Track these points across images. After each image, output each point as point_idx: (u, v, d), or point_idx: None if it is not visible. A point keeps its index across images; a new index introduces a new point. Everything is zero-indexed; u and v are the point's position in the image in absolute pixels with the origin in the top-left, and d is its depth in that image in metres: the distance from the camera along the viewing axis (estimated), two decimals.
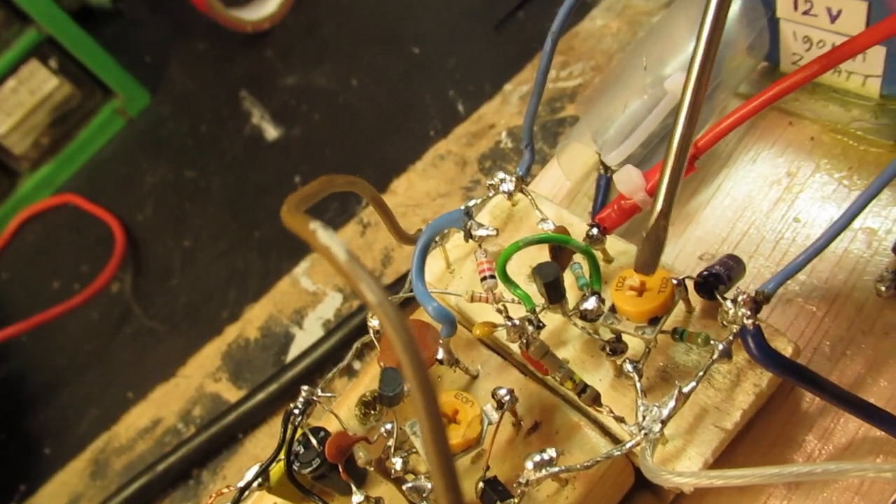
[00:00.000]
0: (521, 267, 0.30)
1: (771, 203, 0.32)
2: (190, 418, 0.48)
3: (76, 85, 0.73)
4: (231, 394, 0.48)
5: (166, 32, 0.84)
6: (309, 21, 0.71)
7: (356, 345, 0.29)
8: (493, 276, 0.26)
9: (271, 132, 0.64)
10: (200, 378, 0.50)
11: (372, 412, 0.28)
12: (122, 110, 0.75)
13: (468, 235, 0.27)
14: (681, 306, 0.26)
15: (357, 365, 0.42)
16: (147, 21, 0.88)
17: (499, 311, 0.25)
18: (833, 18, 0.30)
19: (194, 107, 0.73)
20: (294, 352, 0.47)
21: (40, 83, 0.70)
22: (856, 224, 0.29)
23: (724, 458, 0.25)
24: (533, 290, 0.26)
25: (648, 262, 0.22)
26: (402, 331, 0.13)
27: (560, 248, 0.26)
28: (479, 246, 0.27)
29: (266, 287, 0.52)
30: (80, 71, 0.72)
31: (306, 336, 0.48)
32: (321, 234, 0.15)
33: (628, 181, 0.27)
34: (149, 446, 0.48)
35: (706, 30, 0.21)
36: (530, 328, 0.25)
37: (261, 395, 0.44)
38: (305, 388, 0.27)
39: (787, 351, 0.24)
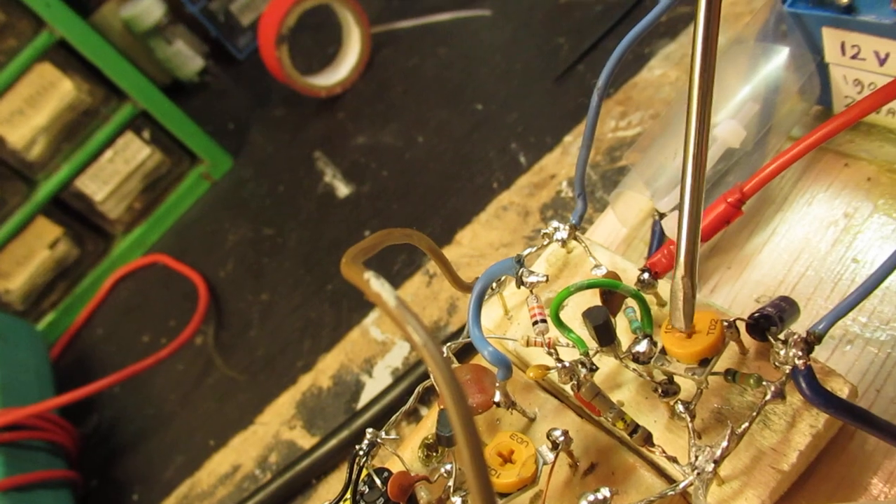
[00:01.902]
0: (576, 312, 0.31)
1: (828, 244, 0.32)
2: (267, 465, 0.50)
3: (166, 153, 0.79)
4: (305, 440, 0.49)
5: (248, 101, 0.90)
6: (378, 85, 0.75)
7: (418, 389, 0.30)
8: (544, 321, 0.27)
9: (343, 189, 0.67)
10: (277, 426, 0.52)
11: (434, 454, 0.29)
12: (207, 174, 0.80)
13: (520, 282, 0.28)
14: (735, 348, 0.27)
15: (424, 411, 0.43)
16: (230, 92, 0.95)
17: (549, 353, 0.26)
18: (882, 61, 0.30)
19: (272, 168, 0.77)
20: (364, 399, 0.49)
21: (134, 153, 0.76)
22: None
23: (786, 500, 0.25)
24: (588, 335, 0.27)
25: (680, 319, 0.23)
26: (443, 368, 0.15)
27: (611, 292, 0.27)
28: (531, 292, 0.28)
29: (338, 337, 0.54)
30: (169, 140, 0.78)
31: (376, 384, 0.49)
32: (373, 282, 0.17)
33: (676, 227, 0.28)
34: (229, 491, 0.50)
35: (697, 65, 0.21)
36: (583, 370, 0.25)
37: (333, 442, 0.46)
38: (370, 430, 0.28)
39: (843, 391, 0.24)
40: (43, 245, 0.75)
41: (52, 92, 0.70)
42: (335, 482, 0.46)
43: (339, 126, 0.74)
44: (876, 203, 0.31)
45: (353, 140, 0.71)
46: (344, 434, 0.46)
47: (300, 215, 0.68)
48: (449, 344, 0.31)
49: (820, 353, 0.29)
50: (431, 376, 0.28)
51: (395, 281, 0.54)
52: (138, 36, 0.90)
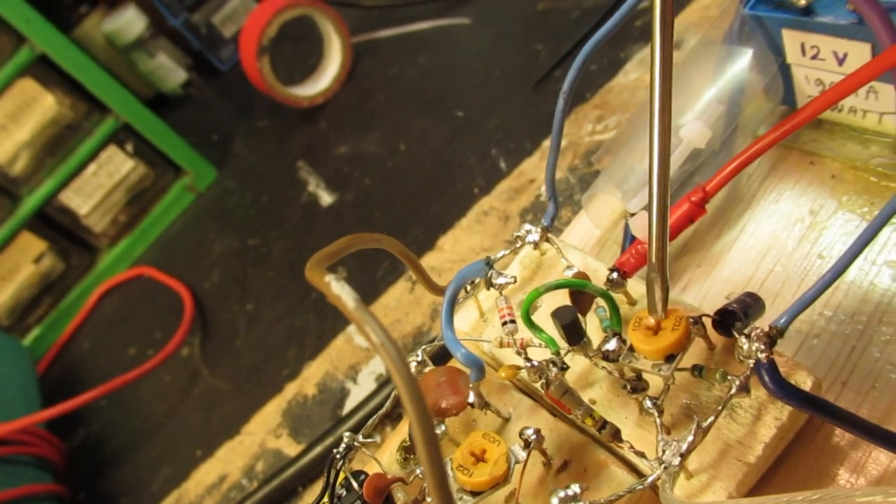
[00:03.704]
0: (549, 313, 0.31)
1: (795, 241, 0.32)
2: (253, 473, 0.50)
3: (150, 165, 0.79)
4: (291, 448, 0.50)
5: (231, 113, 0.91)
6: (359, 94, 0.76)
7: (395, 392, 0.30)
8: (513, 321, 0.27)
9: (326, 198, 0.67)
10: (263, 434, 0.52)
11: (411, 456, 0.29)
12: (192, 186, 0.81)
13: (489, 284, 0.29)
14: (703, 344, 0.27)
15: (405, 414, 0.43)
16: (214, 104, 0.95)
17: (518, 353, 0.26)
18: (840, 61, 0.31)
19: (256, 179, 0.77)
20: (349, 406, 0.49)
21: (118, 166, 0.76)
22: (879, 258, 0.30)
23: (756, 491, 0.26)
24: (559, 335, 0.27)
25: (657, 310, 0.24)
26: (401, 366, 0.15)
27: (580, 292, 0.27)
28: (500, 293, 0.28)
29: (322, 345, 0.54)
30: (153, 153, 0.78)
31: (360, 390, 0.50)
32: (334, 285, 0.17)
33: (642, 226, 0.29)
34: (216, 501, 0.50)
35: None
36: (554, 369, 0.26)
37: (318, 449, 0.46)
38: (347, 433, 0.29)
39: (807, 384, 0.25)
40: (28, 260, 0.75)
41: (34, 107, 0.70)
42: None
43: (321, 135, 0.75)
44: (840, 200, 0.32)
45: (335, 149, 0.72)
46: (329, 441, 0.46)
47: (284, 225, 0.69)
48: (425, 347, 0.31)
49: (788, 347, 0.30)
50: (389, 372, 0.28)
51: (378, 287, 0.55)
52: (121, 50, 0.91)
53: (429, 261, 0.54)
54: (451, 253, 0.54)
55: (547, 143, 0.56)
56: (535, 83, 0.61)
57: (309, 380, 0.53)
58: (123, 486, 0.58)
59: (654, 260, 0.24)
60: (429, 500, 0.26)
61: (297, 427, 0.51)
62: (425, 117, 0.67)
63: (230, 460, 0.53)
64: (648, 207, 0.24)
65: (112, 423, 0.64)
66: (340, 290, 0.17)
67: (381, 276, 0.56)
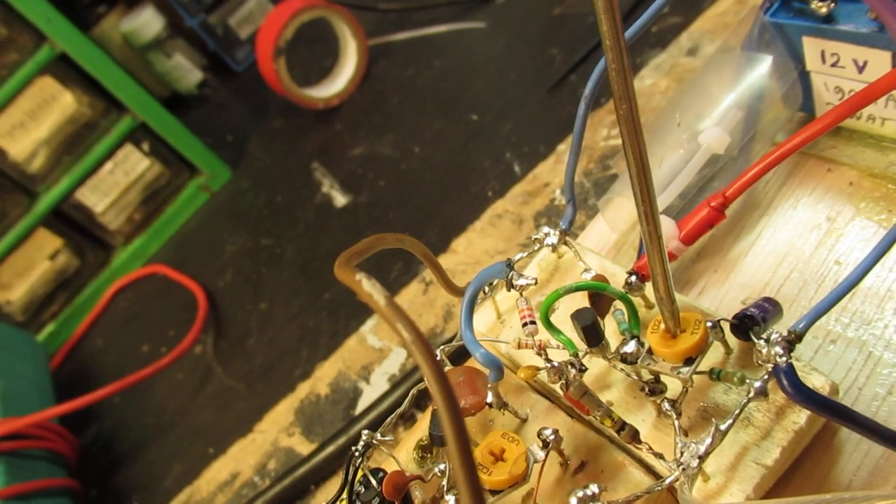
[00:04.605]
0: (567, 316, 0.31)
1: (812, 247, 0.32)
2: (265, 472, 0.51)
3: (165, 165, 0.79)
4: (303, 447, 0.50)
5: (246, 113, 0.91)
6: (374, 96, 0.76)
7: (413, 391, 0.31)
8: (533, 322, 0.28)
9: (340, 199, 0.68)
10: (275, 433, 0.52)
11: (428, 455, 0.30)
12: (206, 186, 0.81)
13: (510, 285, 0.29)
14: (720, 348, 0.27)
15: (420, 415, 0.44)
16: (229, 104, 0.96)
17: (538, 354, 0.27)
18: (860, 69, 0.31)
19: (271, 179, 0.78)
20: (362, 405, 0.50)
21: (134, 164, 0.77)
22: None
23: (772, 494, 0.26)
24: (577, 337, 0.27)
25: (671, 327, 0.24)
26: (431, 362, 0.15)
27: (599, 295, 0.28)
28: (521, 294, 0.29)
29: (335, 345, 0.55)
30: (169, 152, 0.79)
31: (373, 390, 0.50)
32: (365, 282, 0.17)
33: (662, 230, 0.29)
34: (228, 499, 0.51)
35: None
36: (572, 371, 0.26)
37: (331, 448, 0.46)
38: (366, 431, 0.29)
39: (825, 389, 0.25)
40: (43, 256, 0.76)
41: (53, 105, 0.71)
42: (333, 488, 0.47)
43: (336, 137, 0.75)
44: (858, 207, 0.32)
45: (350, 151, 0.72)
46: (342, 440, 0.47)
47: (298, 225, 0.69)
48: (443, 347, 0.31)
49: (805, 352, 0.30)
50: (420, 367, 0.28)
51: (392, 288, 0.55)
52: (138, 49, 0.92)
53: (442, 263, 0.54)
54: (464, 255, 0.54)
55: (561, 148, 0.56)
56: (550, 87, 0.61)
57: (321, 379, 0.54)
58: (135, 482, 0.58)
59: (660, 292, 0.24)
60: (447, 497, 0.26)
61: (309, 426, 0.51)
62: (440, 120, 0.68)
63: (242, 458, 0.53)
64: (645, 246, 0.24)
65: (125, 419, 0.64)
66: (371, 288, 0.17)
67: (395, 277, 0.56)
